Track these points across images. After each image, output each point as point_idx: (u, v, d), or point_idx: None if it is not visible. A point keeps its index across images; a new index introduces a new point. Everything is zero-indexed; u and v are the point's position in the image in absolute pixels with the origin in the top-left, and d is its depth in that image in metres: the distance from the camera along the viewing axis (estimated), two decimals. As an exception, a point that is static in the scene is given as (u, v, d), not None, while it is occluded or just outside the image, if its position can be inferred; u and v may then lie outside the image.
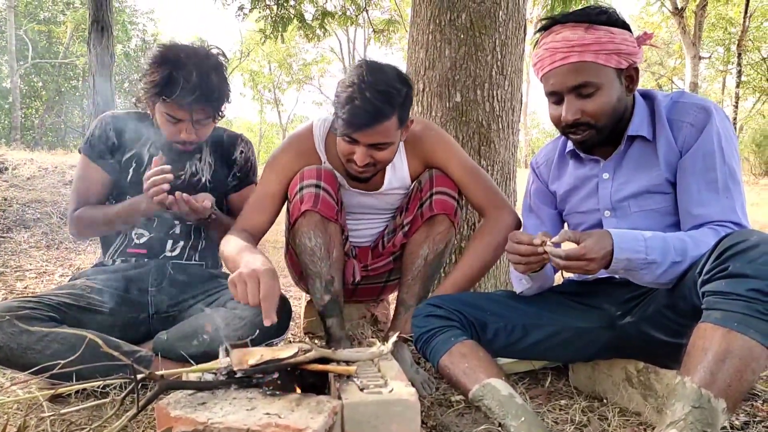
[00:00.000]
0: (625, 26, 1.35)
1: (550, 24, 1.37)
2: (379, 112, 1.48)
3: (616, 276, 1.48)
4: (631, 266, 1.18)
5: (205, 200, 1.66)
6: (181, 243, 1.84)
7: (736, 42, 15.81)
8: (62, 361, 1.21)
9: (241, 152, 1.95)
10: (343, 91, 1.51)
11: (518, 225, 1.72)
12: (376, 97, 1.47)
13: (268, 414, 0.98)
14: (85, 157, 1.80)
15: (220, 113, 1.77)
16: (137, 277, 1.75)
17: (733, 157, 1.31)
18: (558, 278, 1.68)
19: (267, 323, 1.26)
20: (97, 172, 1.80)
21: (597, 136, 1.37)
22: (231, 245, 1.56)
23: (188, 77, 1.61)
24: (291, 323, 2.27)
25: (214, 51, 1.74)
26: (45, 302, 1.53)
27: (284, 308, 1.62)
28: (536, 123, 40.90)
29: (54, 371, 1.17)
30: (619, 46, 1.31)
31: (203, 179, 1.87)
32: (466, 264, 1.70)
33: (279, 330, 1.61)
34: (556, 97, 1.38)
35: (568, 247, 1.23)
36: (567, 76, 1.33)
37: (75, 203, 1.80)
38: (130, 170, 1.80)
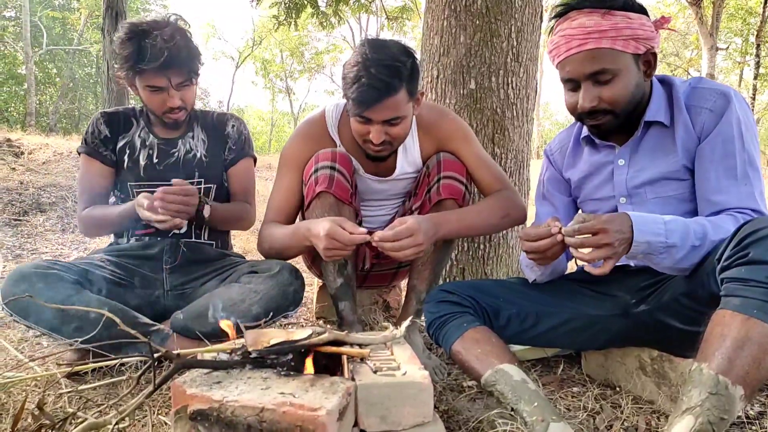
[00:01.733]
0: (642, 11, 1.32)
1: (565, 10, 1.35)
2: (387, 86, 1.48)
3: (631, 264, 1.47)
4: (651, 250, 1.16)
5: (185, 186, 1.68)
6: (186, 222, 1.84)
7: (755, 33, 15.52)
8: (83, 324, 1.23)
9: (233, 126, 2.00)
10: (350, 72, 1.51)
11: (523, 214, 1.73)
12: (382, 72, 1.47)
13: (282, 393, 0.99)
14: (84, 155, 1.87)
15: (195, 73, 1.80)
16: (151, 255, 1.81)
17: (752, 144, 1.29)
18: (572, 266, 1.67)
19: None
20: (98, 166, 1.86)
21: (614, 122, 1.36)
22: (279, 232, 1.66)
23: (154, 43, 1.67)
24: (303, 308, 2.30)
25: (172, 18, 1.80)
26: (71, 266, 1.61)
27: (297, 281, 1.66)
28: (549, 114, 40.60)
29: (76, 342, 1.20)
30: (637, 31, 1.29)
31: (198, 154, 1.92)
32: (475, 209, 1.69)
33: (293, 303, 1.65)
34: (572, 84, 1.36)
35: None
36: (584, 63, 1.31)
37: (82, 202, 1.86)
38: (125, 157, 1.87)
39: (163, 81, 1.73)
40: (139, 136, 1.89)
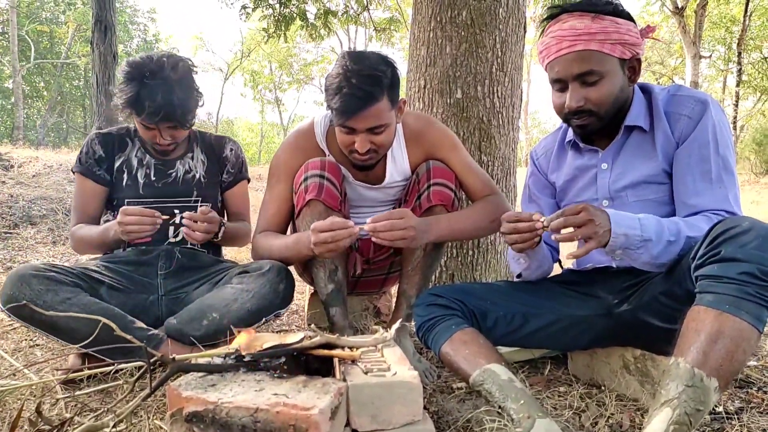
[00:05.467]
0: (630, 18, 1.38)
1: (557, 13, 1.40)
2: (368, 95, 1.52)
3: (614, 265, 1.51)
4: (629, 244, 1.21)
5: (209, 213, 1.76)
6: (182, 229, 1.90)
7: (737, 41, 15.81)
8: (81, 326, 1.27)
9: (231, 150, 2.09)
10: (332, 83, 1.56)
11: None
12: (362, 81, 1.51)
13: (276, 394, 1.02)
14: (78, 175, 1.92)
15: (188, 124, 1.85)
16: (147, 261, 1.84)
17: (727, 148, 1.35)
18: (557, 269, 1.71)
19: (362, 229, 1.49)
20: (91, 185, 1.91)
21: (597, 124, 1.41)
22: (277, 242, 1.72)
23: (153, 97, 1.72)
24: (295, 315, 2.32)
25: (181, 64, 1.81)
26: (69, 269, 1.65)
27: (287, 279, 1.70)
28: (537, 123, 40.96)
29: (76, 347, 1.22)
30: (624, 36, 1.34)
31: (197, 175, 1.99)
32: (464, 213, 1.74)
33: (284, 301, 1.69)
34: (560, 84, 1.41)
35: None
36: (572, 63, 1.36)
37: (74, 219, 1.92)
38: (124, 175, 1.92)
39: (155, 124, 1.78)
40: (135, 155, 1.95)
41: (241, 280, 1.69)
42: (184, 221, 1.73)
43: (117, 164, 1.92)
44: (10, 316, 1.52)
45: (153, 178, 1.93)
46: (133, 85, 1.73)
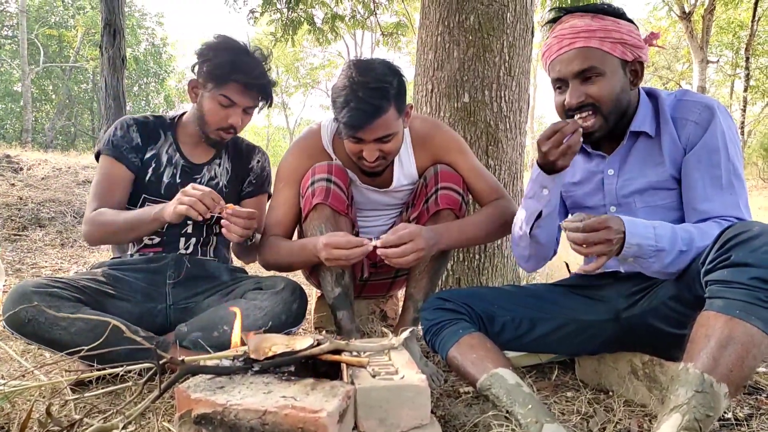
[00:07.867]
0: (631, 22, 1.39)
1: (559, 15, 1.42)
2: (375, 108, 1.52)
3: (622, 270, 1.51)
4: (641, 253, 1.21)
5: (252, 213, 1.66)
6: (193, 240, 1.88)
7: (745, 46, 15.74)
8: (85, 340, 1.26)
9: (258, 161, 2.03)
10: (338, 96, 1.56)
11: None
12: (369, 95, 1.51)
13: (284, 397, 1.02)
14: (108, 157, 1.80)
15: (266, 103, 1.86)
16: (156, 269, 1.81)
17: (736, 155, 1.35)
18: (564, 273, 1.71)
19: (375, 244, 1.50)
20: (122, 171, 1.80)
21: (603, 124, 1.40)
22: (284, 246, 1.72)
23: (250, 62, 1.75)
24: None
25: (260, 50, 1.85)
26: (71, 283, 1.61)
27: (300, 299, 1.69)
28: (544, 127, 40.95)
29: (80, 354, 1.22)
30: (624, 36, 1.35)
31: (220, 184, 1.93)
32: (474, 220, 1.73)
33: (296, 320, 1.68)
34: (561, 83, 1.42)
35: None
36: (572, 61, 1.37)
37: (95, 203, 1.76)
38: (149, 170, 1.84)
39: (243, 100, 1.76)
40: (166, 152, 1.87)
41: (255, 296, 1.67)
42: (225, 215, 1.60)
43: (147, 156, 1.84)
44: (12, 333, 1.51)
45: (178, 180, 1.85)
46: (226, 54, 1.72)
